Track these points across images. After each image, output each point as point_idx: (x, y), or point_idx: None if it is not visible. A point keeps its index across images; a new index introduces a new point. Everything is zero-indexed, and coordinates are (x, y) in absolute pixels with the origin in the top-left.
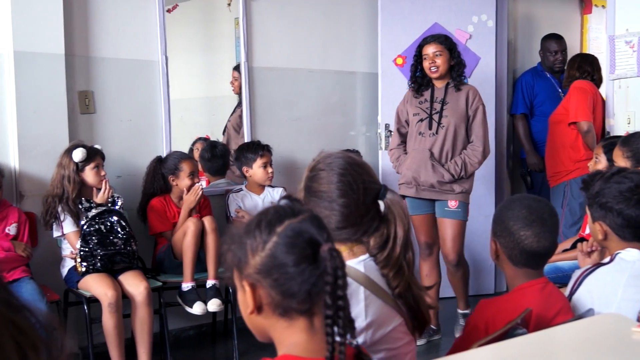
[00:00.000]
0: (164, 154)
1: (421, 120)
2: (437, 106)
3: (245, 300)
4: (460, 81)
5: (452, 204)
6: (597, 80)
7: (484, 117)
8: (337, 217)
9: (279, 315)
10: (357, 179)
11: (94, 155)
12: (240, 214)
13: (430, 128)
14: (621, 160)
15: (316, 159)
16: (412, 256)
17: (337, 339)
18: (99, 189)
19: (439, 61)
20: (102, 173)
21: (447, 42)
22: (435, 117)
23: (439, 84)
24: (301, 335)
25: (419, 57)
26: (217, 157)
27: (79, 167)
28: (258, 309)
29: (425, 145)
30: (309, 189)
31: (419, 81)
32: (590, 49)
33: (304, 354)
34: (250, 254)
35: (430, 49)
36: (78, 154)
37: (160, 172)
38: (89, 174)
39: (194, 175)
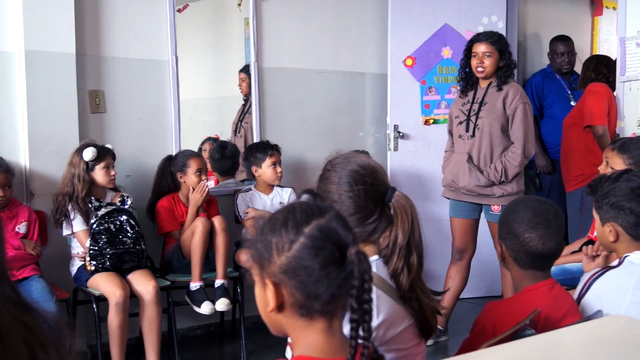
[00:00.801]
0: (173, 154)
1: (460, 122)
2: (476, 107)
3: (264, 296)
4: (504, 81)
5: (495, 208)
6: (613, 83)
7: (524, 116)
8: (347, 216)
9: (299, 315)
10: (359, 181)
11: (105, 155)
12: (250, 214)
13: (467, 130)
14: (622, 167)
15: (327, 160)
16: (415, 260)
17: (360, 341)
18: (109, 189)
19: (487, 62)
20: (112, 173)
21: (499, 43)
22: (473, 119)
23: (483, 84)
24: (319, 336)
25: (468, 52)
26: (226, 158)
27: (89, 166)
28: (279, 307)
29: (464, 149)
30: (319, 189)
31: (467, 78)
32: (600, 51)
33: (321, 355)
34: (276, 253)
35: (480, 48)
36: (88, 153)
37: (169, 170)
38: (99, 173)
39: (201, 172)
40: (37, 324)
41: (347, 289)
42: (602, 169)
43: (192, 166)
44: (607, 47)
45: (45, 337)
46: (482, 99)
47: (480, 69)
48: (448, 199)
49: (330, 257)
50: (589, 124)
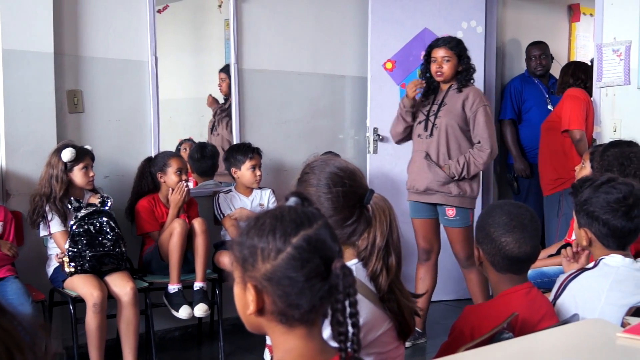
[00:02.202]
0: (152, 155)
1: (420, 122)
2: (435, 108)
3: (243, 297)
4: (464, 84)
5: (450, 212)
6: (590, 88)
7: (487, 117)
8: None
9: (278, 322)
10: (338, 183)
11: (83, 156)
12: (235, 214)
13: (425, 130)
14: (589, 172)
15: (306, 162)
16: (394, 261)
17: (350, 351)
18: (87, 190)
19: (445, 67)
20: (91, 174)
21: (457, 48)
22: (432, 118)
23: (444, 87)
24: (298, 342)
25: (428, 58)
26: (206, 158)
27: (68, 167)
28: (259, 311)
29: (422, 148)
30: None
31: (428, 84)
32: (577, 57)
33: None
34: (261, 259)
35: (439, 53)
36: (67, 154)
37: (149, 170)
38: (77, 174)
39: (181, 172)
40: (12, 326)
41: (330, 301)
42: (578, 171)
43: (173, 166)
44: (584, 52)
45: (21, 339)
46: (442, 101)
47: (439, 74)
48: (409, 201)
49: (316, 270)
50: (567, 129)
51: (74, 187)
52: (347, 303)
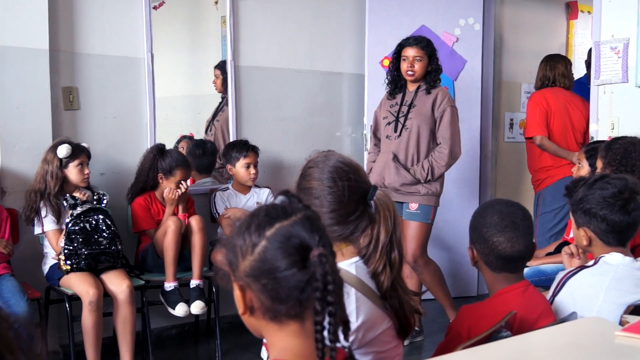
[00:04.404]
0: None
1: (388, 123)
2: (404, 109)
3: (237, 299)
4: (433, 85)
5: (413, 205)
6: (560, 82)
7: (452, 118)
8: (326, 214)
9: (268, 319)
10: (342, 177)
11: (79, 153)
12: (227, 213)
13: (395, 131)
14: (585, 169)
15: (307, 158)
16: (397, 257)
17: (328, 343)
18: (82, 187)
19: (417, 66)
20: (86, 171)
21: (428, 48)
22: (401, 119)
23: (411, 87)
24: (292, 340)
25: (398, 56)
26: (207, 154)
27: (63, 164)
28: (250, 310)
29: (390, 148)
30: (299, 186)
31: (395, 81)
32: (575, 54)
33: (295, 359)
34: (240, 257)
35: (410, 52)
36: (63, 150)
37: (157, 165)
38: (72, 171)
39: (182, 183)
40: (1, 327)
41: (311, 292)
42: (575, 172)
43: (177, 176)
44: (582, 50)
45: (11, 340)
46: (411, 102)
47: (410, 73)
48: None
49: (292, 260)
50: (528, 136)
51: (68, 184)
52: (325, 292)
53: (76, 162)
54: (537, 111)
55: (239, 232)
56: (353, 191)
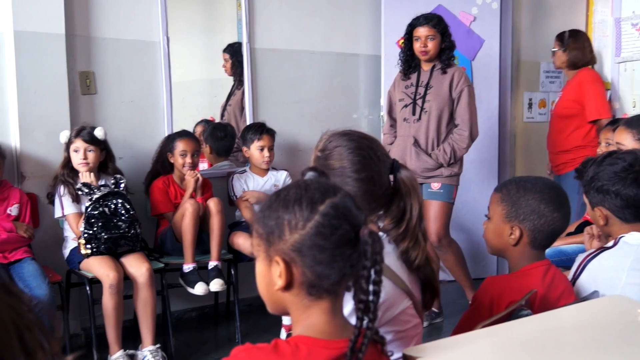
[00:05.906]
0: (165, 135)
1: (405, 105)
2: (422, 91)
3: (268, 273)
4: (448, 64)
5: (435, 185)
6: (594, 60)
7: (469, 99)
8: (356, 193)
9: (306, 294)
10: (371, 153)
11: (74, 138)
12: (246, 195)
13: (414, 114)
14: (631, 142)
15: (325, 138)
16: (424, 228)
17: (366, 323)
18: (102, 174)
19: (430, 45)
20: (81, 156)
21: (439, 26)
22: (419, 102)
23: (426, 67)
24: (321, 317)
25: (409, 36)
26: (228, 137)
27: (67, 148)
28: (287, 285)
29: (409, 132)
30: (319, 164)
31: (409, 61)
32: (595, 32)
33: (321, 336)
34: (288, 230)
35: (422, 31)
36: (62, 136)
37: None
38: (73, 156)
39: (185, 153)
40: (21, 306)
41: (359, 270)
42: (602, 151)
43: (178, 147)
44: (602, 28)
45: (30, 319)
46: (428, 82)
47: (423, 52)
48: None
49: (345, 237)
50: (597, 118)
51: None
52: (372, 271)
53: (72, 147)
54: (604, 91)
55: (285, 204)
56: (384, 165)
